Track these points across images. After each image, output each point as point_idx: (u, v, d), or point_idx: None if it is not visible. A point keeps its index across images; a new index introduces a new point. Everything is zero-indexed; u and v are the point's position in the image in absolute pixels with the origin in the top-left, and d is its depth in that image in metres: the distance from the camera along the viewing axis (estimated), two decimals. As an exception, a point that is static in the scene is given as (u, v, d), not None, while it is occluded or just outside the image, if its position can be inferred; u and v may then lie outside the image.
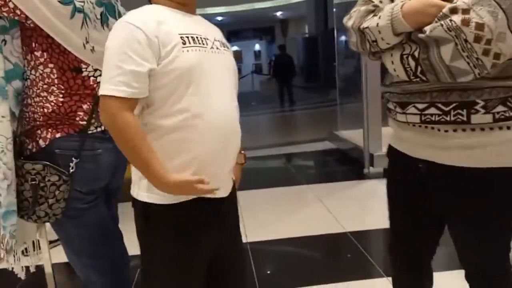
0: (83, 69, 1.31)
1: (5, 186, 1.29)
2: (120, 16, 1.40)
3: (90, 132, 1.34)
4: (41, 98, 1.32)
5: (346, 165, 4.64)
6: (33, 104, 1.33)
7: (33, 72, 1.31)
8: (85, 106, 1.34)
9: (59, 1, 1.21)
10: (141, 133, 1.06)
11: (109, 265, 1.49)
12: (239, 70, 8.01)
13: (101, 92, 1.03)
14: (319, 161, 5.39)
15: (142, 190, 1.14)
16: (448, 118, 1.08)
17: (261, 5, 18.28)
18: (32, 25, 1.25)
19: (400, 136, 1.26)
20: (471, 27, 0.95)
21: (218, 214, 1.19)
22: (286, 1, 18.12)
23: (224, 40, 1.24)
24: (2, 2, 1.18)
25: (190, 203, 1.12)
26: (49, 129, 1.33)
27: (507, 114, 1.05)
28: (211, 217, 1.18)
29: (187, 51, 1.07)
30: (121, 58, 1.01)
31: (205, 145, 1.10)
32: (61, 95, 1.31)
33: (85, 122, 1.32)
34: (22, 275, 1.55)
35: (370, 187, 3.83)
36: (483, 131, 1.07)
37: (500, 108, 1.04)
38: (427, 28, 1.02)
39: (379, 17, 1.13)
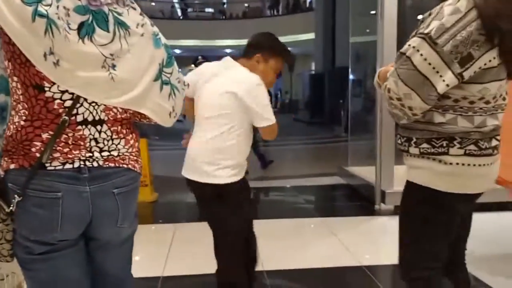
0: (46, 88, 1.08)
1: None
2: (124, 27, 1.13)
3: (51, 168, 1.10)
4: (11, 117, 1.13)
5: (357, 201, 4.69)
6: (8, 125, 1.15)
7: (11, 84, 1.12)
8: (44, 136, 1.10)
9: (21, 0, 0.99)
10: None
11: None
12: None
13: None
14: (330, 195, 5.44)
15: None
16: (401, 148, 1.51)
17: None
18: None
19: None
20: (386, 90, 1.39)
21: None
22: (294, 38, 18.61)
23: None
24: None
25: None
26: (6, 158, 1.13)
27: (429, 150, 1.42)
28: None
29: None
30: None
31: None
32: (24, 117, 1.10)
33: (38, 154, 1.09)
34: None
35: (382, 224, 3.87)
36: (417, 157, 1.46)
37: (425, 145, 1.42)
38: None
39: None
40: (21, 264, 1.17)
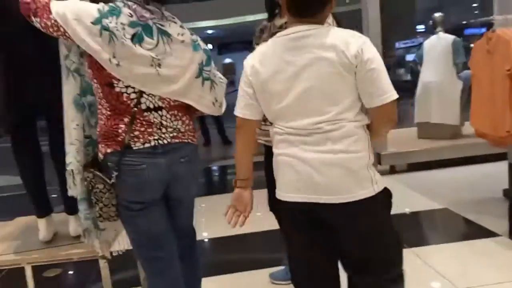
0: (115, 84, 1.45)
1: (79, 179, 1.59)
2: (166, 35, 1.47)
3: (136, 148, 1.48)
4: (99, 110, 1.52)
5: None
6: (99, 117, 1.54)
7: (94, 86, 1.52)
8: (125, 120, 1.47)
9: (91, 22, 1.39)
10: None
11: (159, 268, 1.62)
12: (233, 82, 8.18)
13: (393, 97, 1.28)
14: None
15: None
16: None
17: (251, 18, 18.64)
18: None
19: None
20: None
21: None
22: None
23: None
24: (56, 28, 1.42)
25: None
26: (102, 145, 1.50)
27: None
28: None
29: None
30: None
31: None
32: (108, 109, 1.48)
33: (124, 137, 1.46)
34: (105, 253, 1.78)
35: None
36: None
37: None
38: None
39: None
40: (124, 220, 1.58)
